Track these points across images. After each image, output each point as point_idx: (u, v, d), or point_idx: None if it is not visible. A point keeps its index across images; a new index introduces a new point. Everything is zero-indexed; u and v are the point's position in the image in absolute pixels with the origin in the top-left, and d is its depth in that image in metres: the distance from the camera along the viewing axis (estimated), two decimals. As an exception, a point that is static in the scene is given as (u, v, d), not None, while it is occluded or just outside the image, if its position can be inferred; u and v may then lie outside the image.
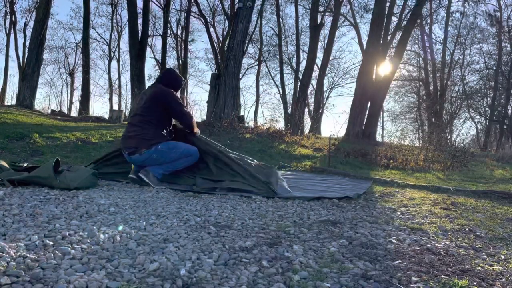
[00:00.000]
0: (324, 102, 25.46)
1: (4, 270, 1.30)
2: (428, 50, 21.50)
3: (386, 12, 12.33)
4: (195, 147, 3.61)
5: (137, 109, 3.54)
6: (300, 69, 20.09)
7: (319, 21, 16.58)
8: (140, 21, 14.59)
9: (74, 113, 19.52)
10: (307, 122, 19.47)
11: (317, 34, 16.06)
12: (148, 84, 14.49)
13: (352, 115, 11.88)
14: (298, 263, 1.56)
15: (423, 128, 23.76)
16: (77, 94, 25.66)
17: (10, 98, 16.27)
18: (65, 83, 29.83)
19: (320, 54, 19.59)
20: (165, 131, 3.55)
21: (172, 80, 3.66)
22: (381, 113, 19.12)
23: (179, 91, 3.84)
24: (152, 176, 3.40)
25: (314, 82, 20.35)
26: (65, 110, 22.47)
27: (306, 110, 20.49)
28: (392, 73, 13.20)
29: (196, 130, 3.73)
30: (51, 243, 1.62)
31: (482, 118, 24.71)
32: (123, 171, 3.74)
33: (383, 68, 13.13)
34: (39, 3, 13.15)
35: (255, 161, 3.88)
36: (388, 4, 12.40)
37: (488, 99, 23.37)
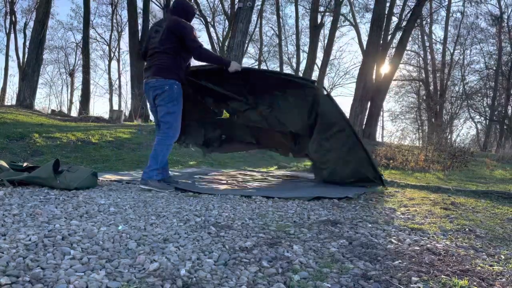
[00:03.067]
0: (324, 102, 25.40)
1: (4, 270, 1.30)
2: (428, 50, 21.50)
3: (386, 12, 12.33)
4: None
5: (154, 43, 3.42)
6: (300, 69, 20.10)
7: (319, 21, 16.57)
8: (140, 21, 14.60)
9: (74, 113, 19.50)
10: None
11: (317, 34, 16.05)
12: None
13: (352, 115, 11.87)
14: (298, 263, 1.56)
15: (423, 128, 23.75)
16: (77, 94, 25.70)
17: (10, 98, 16.26)
18: (65, 83, 29.89)
19: (320, 54, 19.60)
20: (182, 63, 3.44)
21: (185, 8, 3.51)
22: (381, 113, 19.11)
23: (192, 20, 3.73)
24: (152, 182, 3.32)
25: (314, 82, 20.30)
26: (65, 110, 22.47)
27: (306, 110, 20.43)
28: (392, 73, 13.20)
29: (232, 65, 3.50)
30: (51, 243, 1.62)
31: (482, 118, 24.70)
32: None
33: (383, 68, 13.12)
34: (39, 3, 13.16)
35: None
36: (388, 4, 12.39)
37: (488, 99, 23.36)
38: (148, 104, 3.62)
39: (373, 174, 3.88)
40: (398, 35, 14.09)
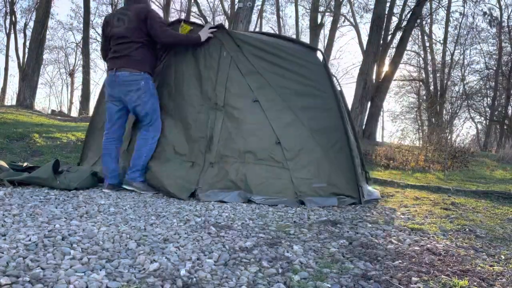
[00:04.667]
0: (324, 102, 25.38)
1: (4, 270, 1.30)
2: (428, 50, 21.49)
3: (386, 12, 12.32)
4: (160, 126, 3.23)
5: (120, 32, 3.12)
6: (300, 69, 20.01)
7: (319, 21, 16.56)
8: (140, 21, 14.55)
9: (74, 113, 19.51)
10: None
11: (317, 34, 16.04)
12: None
13: (352, 115, 11.86)
14: (298, 263, 1.56)
15: (423, 128, 23.74)
16: (77, 94, 25.68)
17: (10, 98, 16.26)
18: (65, 83, 29.81)
19: (320, 54, 19.57)
20: (153, 57, 3.23)
21: None
22: (381, 113, 19.09)
23: None
24: (137, 183, 3.13)
25: (314, 82, 20.28)
26: (65, 110, 22.45)
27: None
28: (392, 73, 13.19)
29: (202, 36, 3.20)
30: (51, 243, 1.62)
31: (482, 118, 24.69)
32: None
33: (383, 68, 13.12)
34: (39, 3, 13.15)
35: None
36: (388, 4, 12.39)
37: (488, 99, 23.35)
38: (106, 95, 3.25)
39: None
40: (398, 35, 14.08)
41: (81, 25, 18.79)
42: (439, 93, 20.74)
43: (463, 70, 23.71)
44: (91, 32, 21.78)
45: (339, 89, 3.45)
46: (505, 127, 21.18)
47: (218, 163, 3.10)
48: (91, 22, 20.86)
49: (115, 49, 3.16)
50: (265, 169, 3.02)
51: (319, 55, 3.25)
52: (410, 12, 13.18)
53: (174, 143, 3.25)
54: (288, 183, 2.98)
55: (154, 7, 20.49)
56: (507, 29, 21.16)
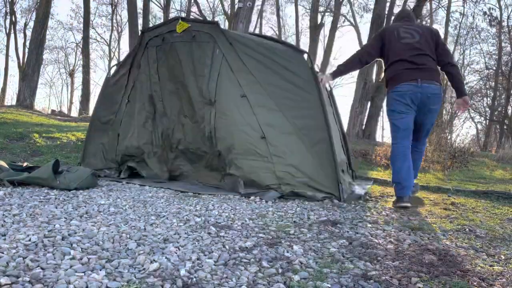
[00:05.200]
0: (324, 102, 25.37)
1: (4, 270, 1.30)
2: (428, 50, 21.48)
3: (386, 13, 12.32)
4: None
5: (412, 43, 3.05)
6: (300, 69, 19.99)
7: (319, 21, 16.57)
8: (140, 21, 14.59)
9: (74, 113, 19.51)
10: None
11: (317, 34, 16.05)
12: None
13: (352, 115, 11.87)
14: (298, 263, 1.56)
15: (423, 128, 23.71)
16: (77, 94, 25.66)
17: (10, 98, 16.26)
18: (65, 83, 29.83)
19: (320, 54, 19.60)
20: None
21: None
22: (381, 113, 19.08)
23: None
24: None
25: (314, 82, 20.27)
26: (65, 110, 22.45)
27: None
28: (392, 73, 13.18)
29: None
30: (51, 243, 1.62)
31: (482, 118, 24.70)
32: None
33: (384, 68, 13.12)
34: (39, 3, 13.15)
35: None
36: (388, 4, 12.39)
37: (488, 99, 23.36)
38: (400, 106, 2.99)
39: None
40: (398, 35, 14.07)
41: (81, 25, 18.79)
42: (439, 93, 20.68)
43: (463, 70, 23.73)
44: (91, 32, 21.80)
45: (328, 89, 3.69)
46: (505, 127, 21.18)
47: (219, 155, 3.46)
48: (91, 22, 20.88)
49: (412, 60, 3.03)
50: (251, 163, 3.25)
51: (306, 57, 3.35)
52: (410, 12, 13.16)
53: (188, 139, 3.70)
54: (272, 177, 3.18)
55: (154, 7, 20.52)
56: (507, 29, 21.16)
